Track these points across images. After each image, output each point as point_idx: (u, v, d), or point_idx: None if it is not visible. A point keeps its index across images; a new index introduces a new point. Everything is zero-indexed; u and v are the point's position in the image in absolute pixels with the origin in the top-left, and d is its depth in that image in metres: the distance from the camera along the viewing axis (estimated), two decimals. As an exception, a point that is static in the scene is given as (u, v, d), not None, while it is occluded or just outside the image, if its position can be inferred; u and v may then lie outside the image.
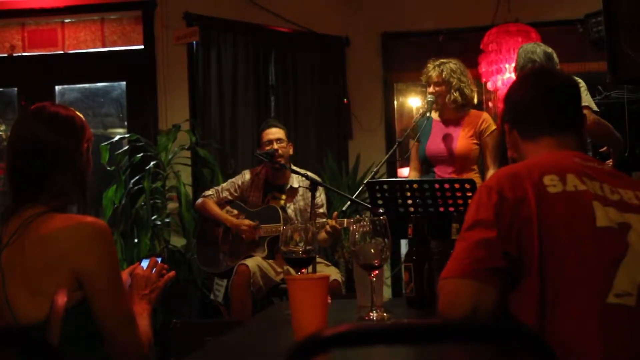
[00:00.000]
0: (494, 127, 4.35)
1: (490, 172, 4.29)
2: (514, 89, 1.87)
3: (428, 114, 4.28)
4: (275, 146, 4.49)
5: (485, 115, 4.43)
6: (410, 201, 2.78)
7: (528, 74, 1.94)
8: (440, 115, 4.42)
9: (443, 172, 4.33)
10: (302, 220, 4.41)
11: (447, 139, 4.35)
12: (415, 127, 4.44)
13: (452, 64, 4.34)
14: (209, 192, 4.71)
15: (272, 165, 4.49)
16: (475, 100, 4.52)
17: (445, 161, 4.33)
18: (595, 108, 4.04)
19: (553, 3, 6.09)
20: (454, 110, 4.37)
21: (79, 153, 1.97)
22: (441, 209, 2.76)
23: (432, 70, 4.33)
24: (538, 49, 4.31)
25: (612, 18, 4.28)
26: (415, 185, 2.78)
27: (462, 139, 4.31)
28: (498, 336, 0.91)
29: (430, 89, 4.32)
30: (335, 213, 4.21)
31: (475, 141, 4.32)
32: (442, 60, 4.38)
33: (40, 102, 2.02)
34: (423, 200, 2.76)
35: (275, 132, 4.56)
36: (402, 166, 6.16)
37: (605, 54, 4.39)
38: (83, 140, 1.98)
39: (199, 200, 4.71)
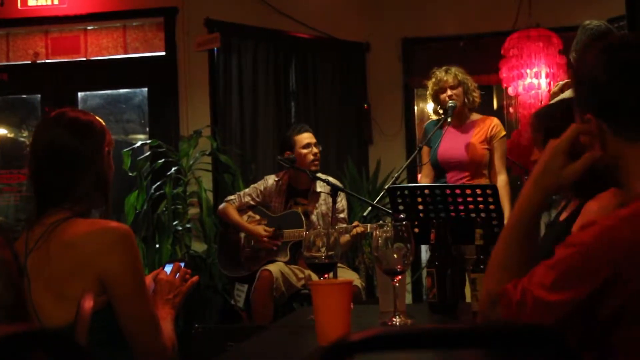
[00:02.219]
0: (503, 132, 4.43)
1: (501, 178, 4.29)
2: (601, 63, 1.37)
3: (449, 120, 4.29)
4: (315, 150, 4.52)
5: (495, 120, 4.47)
6: (431, 207, 2.78)
7: (626, 41, 1.41)
8: (451, 121, 4.44)
9: (456, 177, 4.34)
10: (325, 224, 4.41)
11: (459, 144, 4.36)
12: (424, 132, 4.49)
13: (459, 68, 4.40)
14: (231, 197, 4.73)
15: (294, 170, 4.50)
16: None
17: (458, 167, 4.35)
18: None
19: (574, 8, 6.04)
20: (467, 113, 4.41)
21: (100, 157, 1.98)
22: (462, 214, 2.75)
23: (446, 75, 4.36)
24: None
25: (635, 22, 4.27)
26: (436, 191, 2.78)
27: (474, 145, 4.33)
28: (525, 340, 0.91)
29: (448, 93, 4.33)
30: (356, 223, 4.23)
31: (486, 146, 4.36)
32: (446, 66, 4.42)
33: (60, 108, 2.03)
34: (444, 205, 2.76)
35: (311, 136, 4.59)
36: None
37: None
38: (104, 145, 2.00)
39: (221, 206, 4.73)
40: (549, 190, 1.41)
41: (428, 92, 4.49)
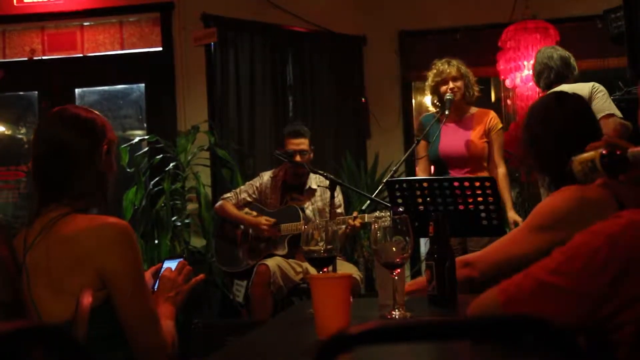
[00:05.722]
0: (500, 125, 4.44)
1: (500, 170, 4.29)
2: None
3: (447, 112, 4.28)
4: (298, 158, 4.47)
5: (492, 113, 4.48)
6: (429, 199, 2.78)
7: None
8: (449, 114, 4.43)
9: (458, 173, 4.33)
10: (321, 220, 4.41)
11: (459, 140, 4.35)
12: (420, 125, 4.47)
13: (460, 61, 4.40)
14: (228, 195, 4.72)
15: (291, 164, 4.49)
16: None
17: (459, 162, 4.33)
18: (619, 115, 4.02)
19: (571, -1, 6.05)
20: (465, 107, 4.40)
21: (100, 154, 1.98)
22: (461, 207, 2.75)
23: (448, 67, 4.35)
24: (555, 53, 4.33)
25: (632, 13, 4.26)
26: (435, 184, 2.77)
27: (474, 139, 4.33)
28: (522, 332, 0.91)
29: (450, 86, 4.32)
30: (355, 213, 4.21)
31: (485, 139, 4.36)
32: (447, 58, 4.41)
33: (62, 105, 2.04)
34: (443, 198, 2.75)
35: (299, 143, 4.52)
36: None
37: (625, 49, 4.37)
38: (104, 142, 2.00)
39: (218, 203, 4.73)
40: None
41: (427, 84, 4.47)
